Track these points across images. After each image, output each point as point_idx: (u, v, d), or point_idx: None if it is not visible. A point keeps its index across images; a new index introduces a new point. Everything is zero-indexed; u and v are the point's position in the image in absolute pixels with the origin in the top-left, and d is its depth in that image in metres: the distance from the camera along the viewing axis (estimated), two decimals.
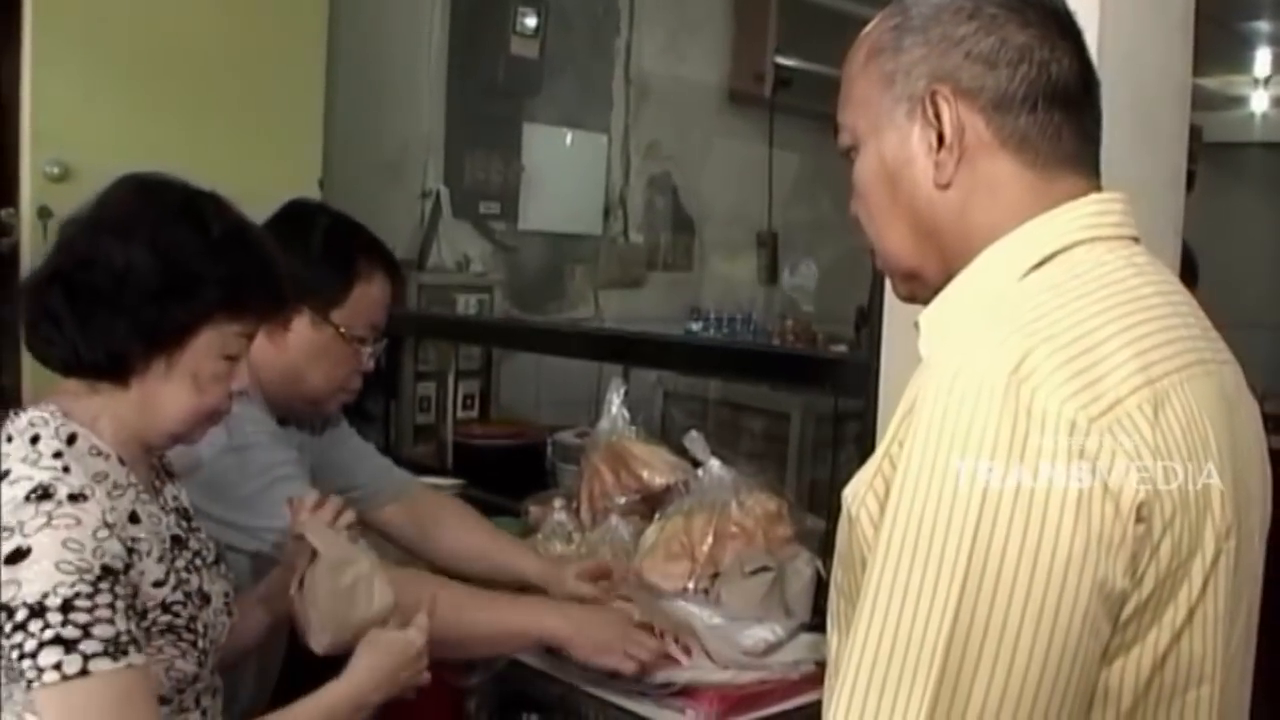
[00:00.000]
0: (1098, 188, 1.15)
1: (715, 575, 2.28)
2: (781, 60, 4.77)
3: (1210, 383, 1.07)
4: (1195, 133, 5.42)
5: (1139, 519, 0.93)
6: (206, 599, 1.61)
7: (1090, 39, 1.75)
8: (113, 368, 1.52)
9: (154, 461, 1.67)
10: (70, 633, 1.35)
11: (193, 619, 1.56)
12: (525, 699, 2.34)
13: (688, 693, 1.97)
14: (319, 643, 1.75)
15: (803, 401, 3.78)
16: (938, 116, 1.11)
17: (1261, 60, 6.20)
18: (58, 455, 1.46)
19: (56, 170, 2.95)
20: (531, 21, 4.16)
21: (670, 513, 2.39)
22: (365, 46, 3.77)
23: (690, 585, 2.28)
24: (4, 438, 1.49)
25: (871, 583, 0.96)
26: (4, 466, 1.44)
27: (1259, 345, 3.24)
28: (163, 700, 1.51)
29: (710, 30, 4.93)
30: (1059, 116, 1.11)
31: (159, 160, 3.06)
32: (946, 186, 1.12)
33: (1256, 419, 1.19)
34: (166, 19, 3.11)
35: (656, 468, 2.53)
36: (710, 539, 2.32)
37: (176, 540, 1.60)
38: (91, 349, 1.51)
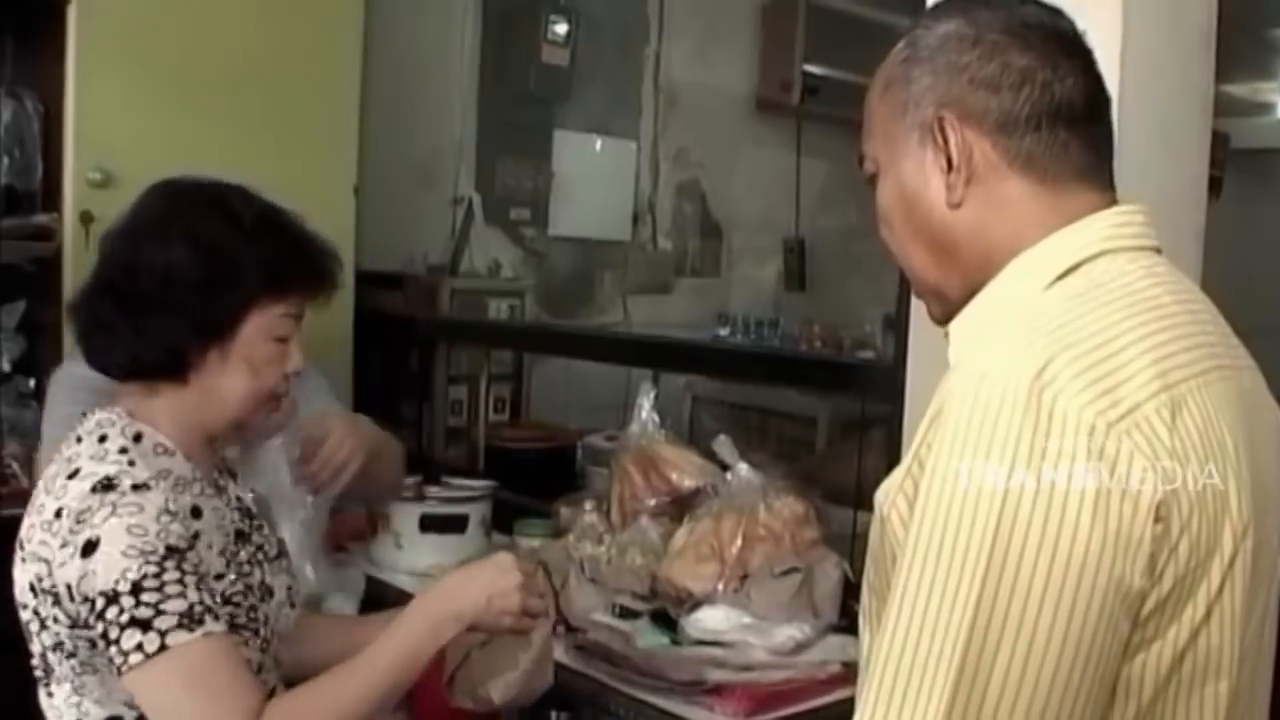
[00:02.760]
0: (1113, 200, 1.18)
1: (744, 577, 2.31)
2: (809, 68, 4.79)
3: (1228, 387, 1.09)
4: (1223, 139, 5.41)
5: (1157, 519, 0.96)
6: (269, 592, 1.68)
7: (1112, 51, 1.80)
8: (171, 365, 1.59)
9: (217, 460, 1.74)
10: (144, 613, 1.42)
11: (253, 609, 1.62)
12: (554, 696, 2.38)
13: (716, 690, 2.00)
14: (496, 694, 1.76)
15: (829, 406, 3.80)
16: (945, 141, 1.16)
17: None
18: (123, 451, 1.54)
19: (99, 176, 3.00)
20: (562, 29, 4.20)
21: (699, 515, 2.42)
22: (399, 56, 3.81)
23: (720, 587, 2.31)
24: (74, 439, 1.58)
25: (900, 579, 1.00)
26: (74, 466, 1.52)
27: None
28: None
29: (738, 39, 4.95)
30: (1064, 134, 1.15)
31: (199, 166, 3.14)
32: (959, 206, 1.17)
33: (1277, 422, 1.21)
34: (207, 29, 3.16)
35: (686, 470, 2.56)
36: (739, 541, 2.35)
37: (240, 534, 1.68)
38: (149, 350, 1.58)
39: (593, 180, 4.56)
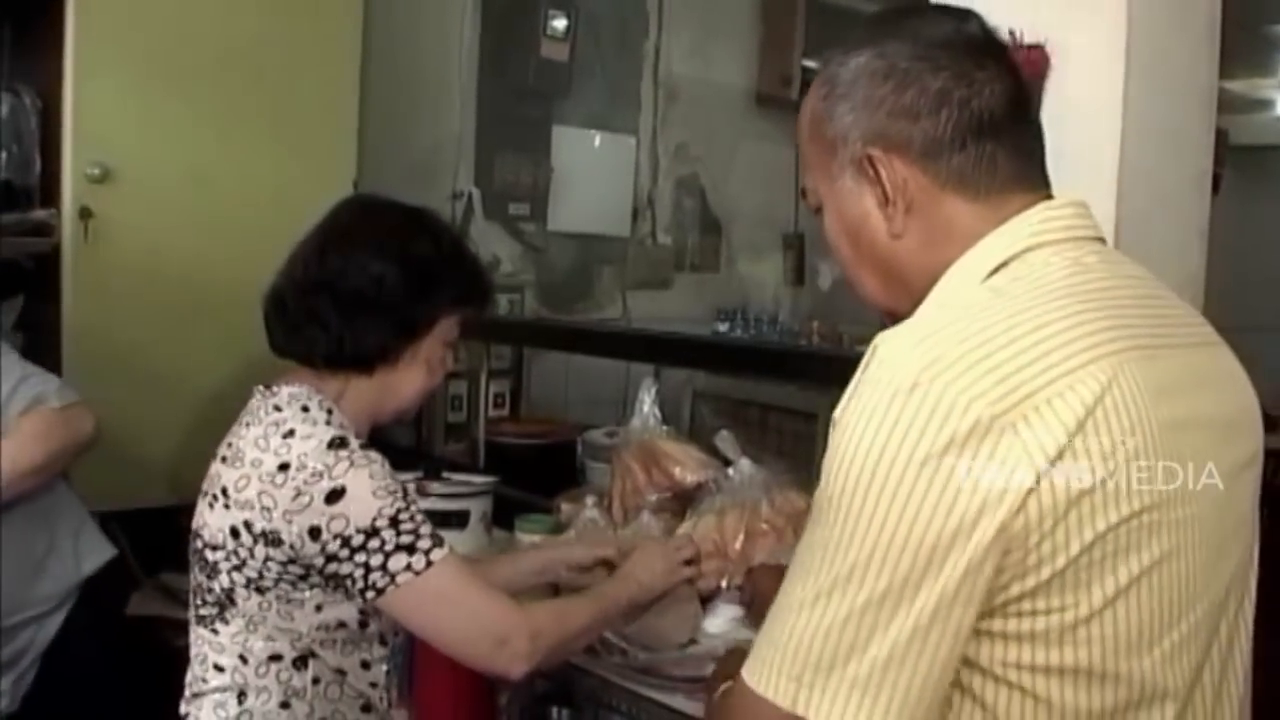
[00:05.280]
0: (1046, 197, 1.20)
1: (748, 572, 2.31)
2: (808, 63, 4.78)
3: (1151, 367, 1.09)
4: (1221, 136, 5.40)
5: (1028, 509, 0.99)
6: None
7: (1117, 47, 1.80)
8: (371, 358, 1.86)
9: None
10: (406, 540, 1.71)
11: None
12: (557, 694, 2.38)
13: None
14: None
15: (830, 401, 3.78)
16: (877, 176, 1.19)
17: None
18: (329, 422, 1.79)
19: (97, 171, 3.00)
20: (561, 24, 4.19)
21: (702, 511, 2.42)
22: (398, 50, 3.81)
23: (723, 584, 2.31)
24: (269, 406, 1.81)
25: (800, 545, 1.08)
26: (288, 427, 1.76)
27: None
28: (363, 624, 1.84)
29: (738, 33, 4.94)
30: (990, 146, 1.17)
31: (198, 161, 3.14)
32: (900, 236, 1.20)
33: (1234, 398, 1.22)
34: (205, 23, 3.16)
35: (688, 465, 2.56)
36: (741, 537, 2.35)
37: None
38: (355, 343, 1.83)
39: (592, 175, 4.54)
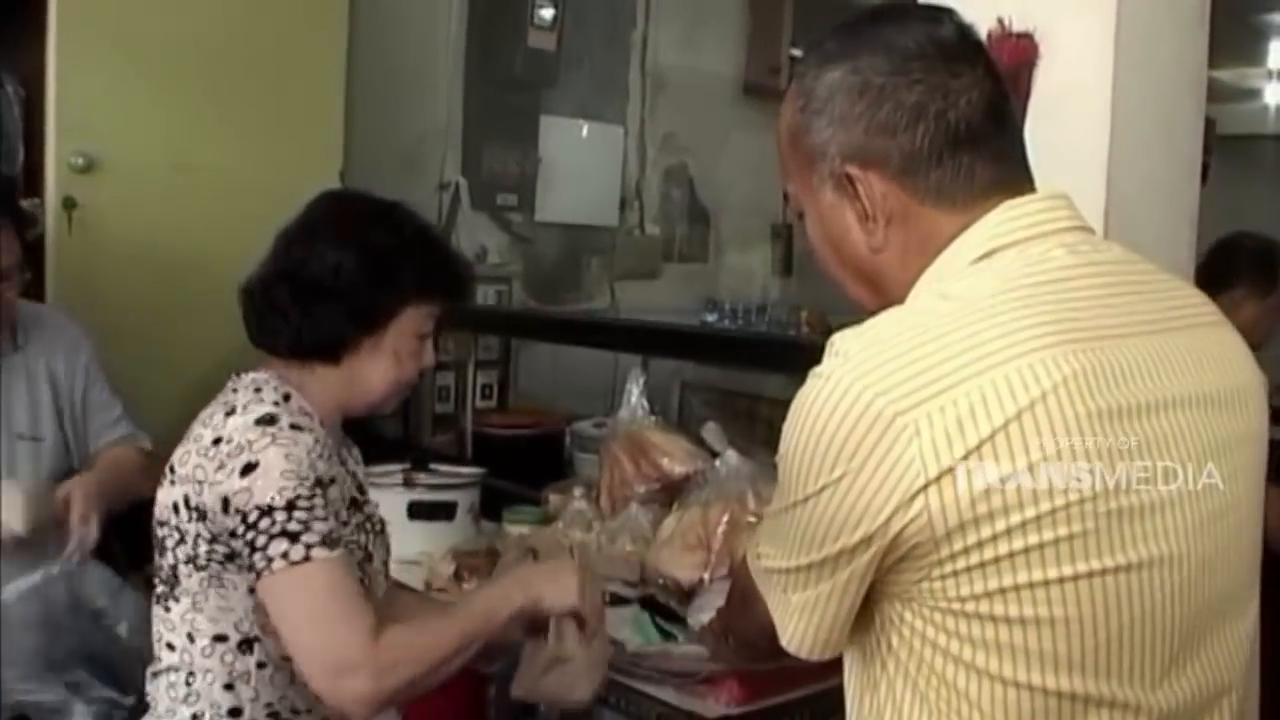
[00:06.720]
0: (1029, 192, 1.19)
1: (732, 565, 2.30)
2: (796, 52, 4.78)
3: (1097, 356, 1.08)
4: (1209, 125, 5.39)
5: (930, 507, 1.02)
6: (370, 557, 1.91)
7: (1107, 34, 1.79)
8: (329, 348, 1.82)
9: (340, 432, 1.93)
10: (294, 527, 1.64)
11: (359, 567, 1.83)
12: None
13: (709, 679, 1.99)
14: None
15: None
16: (856, 194, 1.19)
17: (1275, 52, 6.18)
18: (276, 404, 1.76)
19: (81, 161, 2.99)
20: (548, 14, 4.18)
21: (689, 503, 2.41)
22: (385, 39, 3.79)
23: (706, 576, 2.30)
24: (229, 390, 1.81)
25: None
26: (232, 405, 1.75)
27: (1271, 338, 3.25)
28: None
29: (726, 23, 4.94)
30: (967, 158, 1.16)
31: (183, 151, 3.12)
32: (881, 250, 1.20)
33: (1222, 377, 1.20)
34: (190, 12, 3.15)
35: (676, 456, 2.55)
36: (724, 529, 2.34)
37: (354, 502, 1.90)
38: (313, 332, 1.80)
39: (580, 165, 4.54)
